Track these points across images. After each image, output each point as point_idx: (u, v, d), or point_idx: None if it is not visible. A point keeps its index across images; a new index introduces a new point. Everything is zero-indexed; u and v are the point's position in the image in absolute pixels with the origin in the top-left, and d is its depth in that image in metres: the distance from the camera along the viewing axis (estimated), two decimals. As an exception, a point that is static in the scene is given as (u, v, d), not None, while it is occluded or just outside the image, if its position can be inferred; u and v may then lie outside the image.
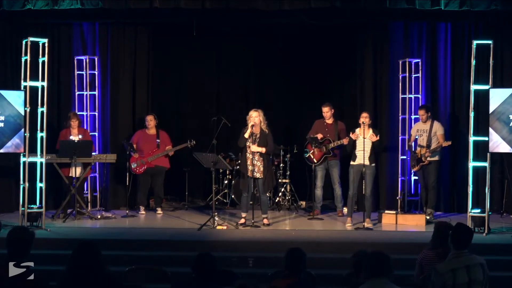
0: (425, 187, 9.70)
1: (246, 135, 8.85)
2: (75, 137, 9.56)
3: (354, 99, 10.91)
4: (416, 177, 10.01)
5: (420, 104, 10.07)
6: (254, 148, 8.84)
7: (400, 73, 10.12)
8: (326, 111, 9.92)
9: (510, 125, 8.39)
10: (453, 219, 8.99)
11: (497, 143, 8.45)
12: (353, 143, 9.02)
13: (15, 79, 9.76)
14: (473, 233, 5.08)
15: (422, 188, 9.80)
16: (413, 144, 9.79)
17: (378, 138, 8.94)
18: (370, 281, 4.20)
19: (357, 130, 8.99)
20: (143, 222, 9.68)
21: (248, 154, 8.91)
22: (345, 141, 9.35)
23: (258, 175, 8.90)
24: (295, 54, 11.59)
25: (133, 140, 10.08)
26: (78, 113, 10.29)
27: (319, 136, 9.78)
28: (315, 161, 9.88)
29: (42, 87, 8.69)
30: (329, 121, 9.98)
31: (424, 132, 9.60)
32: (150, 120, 10.09)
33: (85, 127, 10.25)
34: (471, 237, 4.95)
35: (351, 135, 9.03)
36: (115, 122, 10.66)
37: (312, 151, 9.87)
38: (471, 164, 8.65)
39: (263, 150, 8.86)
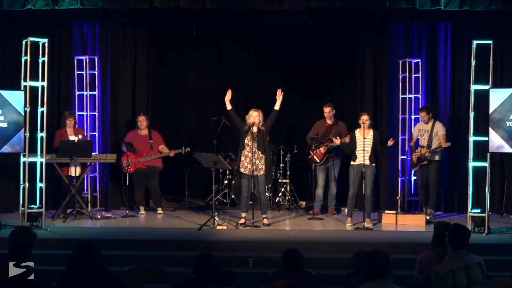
0: (423, 187, 9.72)
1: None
2: (72, 136, 9.55)
3: (354, 99, 10.91)
4: (416, 177, 10.02)
5: (420, 104, 10.08)
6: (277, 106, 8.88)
7: (400, 73, 10.12)
8: (328, 111, 9.93)
9: (510, 125, 8.39)
10: (454, 219, 9.00)
11: (497, 143, 8.45)
12: (352, 144, 9.03)
13: (15, 79, 9.77)
14: (470, 233, 5.09)
15: (420, 188, 9.80)
16: (414, 144, 9.80)
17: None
18: (370, 281, 4.19)
19: (357, 131, 8.99)
20: (143, 222, 9.67)
21: (247, 153, 8.90)
22: (346, 139, 9.37)
23: (257, 173, 8.88)
24: (295, 54, 11.59)
25: (125, 140, 10.04)
26: (78, 113, 10.32)
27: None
28: (318, 161, 9.89)
29: (42, 87, 8.68)
30: (330, 121, 10.00)
31: (426, 132, 9.61)
32: (142, 121, 10.03)
33: (84, 127, 10.25)
34: (469, 237, 4.96)
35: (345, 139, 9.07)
36: (115, 122, 10.66)
37: (314, 152, 9.89)
38: (471, 164, 8.65)
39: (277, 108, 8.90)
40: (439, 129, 9.58)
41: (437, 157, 9.61)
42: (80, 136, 9.56)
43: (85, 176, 10.00)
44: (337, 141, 9.41)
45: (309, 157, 10.02)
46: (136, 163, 9.93)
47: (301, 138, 10.39)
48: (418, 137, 9.72)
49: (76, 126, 9.87)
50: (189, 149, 9.97)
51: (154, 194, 10.16)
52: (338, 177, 10.01)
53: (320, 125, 10.06)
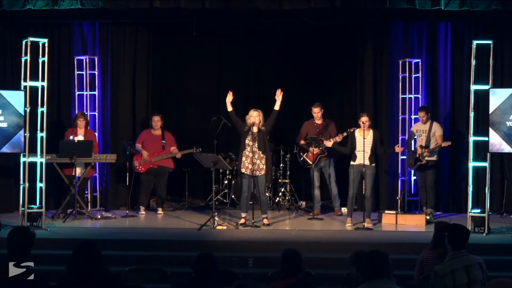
0: (423, 187, 9.72)
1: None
2: (77, 137, 9.55)
3: (354, 99, 10.92)
4: (416, 177, 10.02)
5: (420, 104, 10.09)
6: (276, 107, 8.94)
7: (400, 73, 10.12)
8: (317, 112, 9.95)
9: (510, 125, 8.39)
10: (453, 219, 9.01)
11: (497, 144, 8.45)
12: (351, 144, 9.02)
13: (15, 79, 9.77)
14: (470, 233, 5.09)
15: (420, 188, 9.81)
16: (412, 143, 9.80)
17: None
18: (370, 281, 4.19)
19: (357, 131, 9.00)
20: (143, 222, 9.67)
21: (248, 153, 8.91)
22: (338, 138, 9.36)
23: (258, 173, 8.89)
24: (295, 54, 11.59)
25: (139, 139, 10.06)
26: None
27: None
28: (310, 163, 9.89)
29: (42, 87, 8.68)
30: (319, 121, 10.00)
31: (424, 133, 9.62)
32: (158, 121, 10.03)
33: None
34: (468, 237, 4.96)
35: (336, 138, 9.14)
36: (115, 122, 10.66)
37: (305, 153, 9.89)
38: (471, 164, 8.65)
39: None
40: (437, 129, 9.60)
41: (434, 157, 9.63)
42: (80, 137, 9.56)
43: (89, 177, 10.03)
44: (329, 144, 9.36)
45: (301, 159, 10.03)
46: (148, 162, 9.93)
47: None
48: (416, 136, 9.73)
49: (89, 127, 9.88)
50: (200, 149, 9.93)
51: (159, 195, 10.14)
52: (337, 177, 10.00)
53: (309, 125, 10.06)
